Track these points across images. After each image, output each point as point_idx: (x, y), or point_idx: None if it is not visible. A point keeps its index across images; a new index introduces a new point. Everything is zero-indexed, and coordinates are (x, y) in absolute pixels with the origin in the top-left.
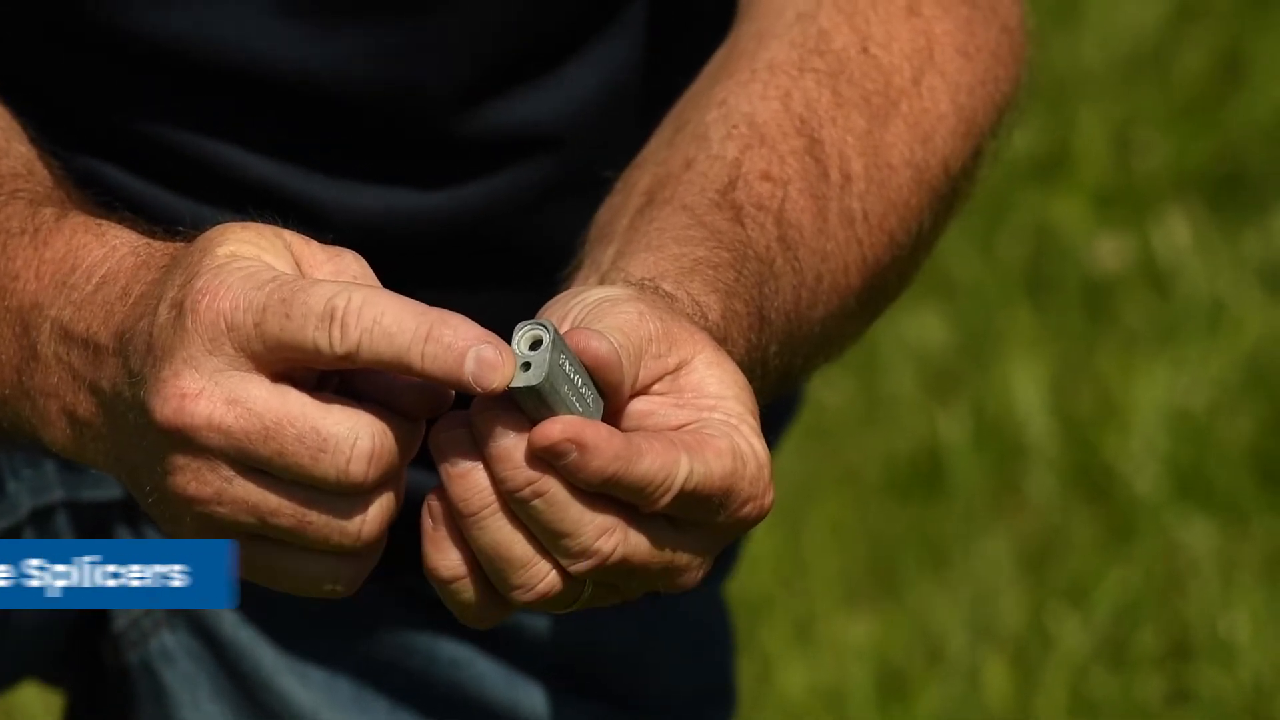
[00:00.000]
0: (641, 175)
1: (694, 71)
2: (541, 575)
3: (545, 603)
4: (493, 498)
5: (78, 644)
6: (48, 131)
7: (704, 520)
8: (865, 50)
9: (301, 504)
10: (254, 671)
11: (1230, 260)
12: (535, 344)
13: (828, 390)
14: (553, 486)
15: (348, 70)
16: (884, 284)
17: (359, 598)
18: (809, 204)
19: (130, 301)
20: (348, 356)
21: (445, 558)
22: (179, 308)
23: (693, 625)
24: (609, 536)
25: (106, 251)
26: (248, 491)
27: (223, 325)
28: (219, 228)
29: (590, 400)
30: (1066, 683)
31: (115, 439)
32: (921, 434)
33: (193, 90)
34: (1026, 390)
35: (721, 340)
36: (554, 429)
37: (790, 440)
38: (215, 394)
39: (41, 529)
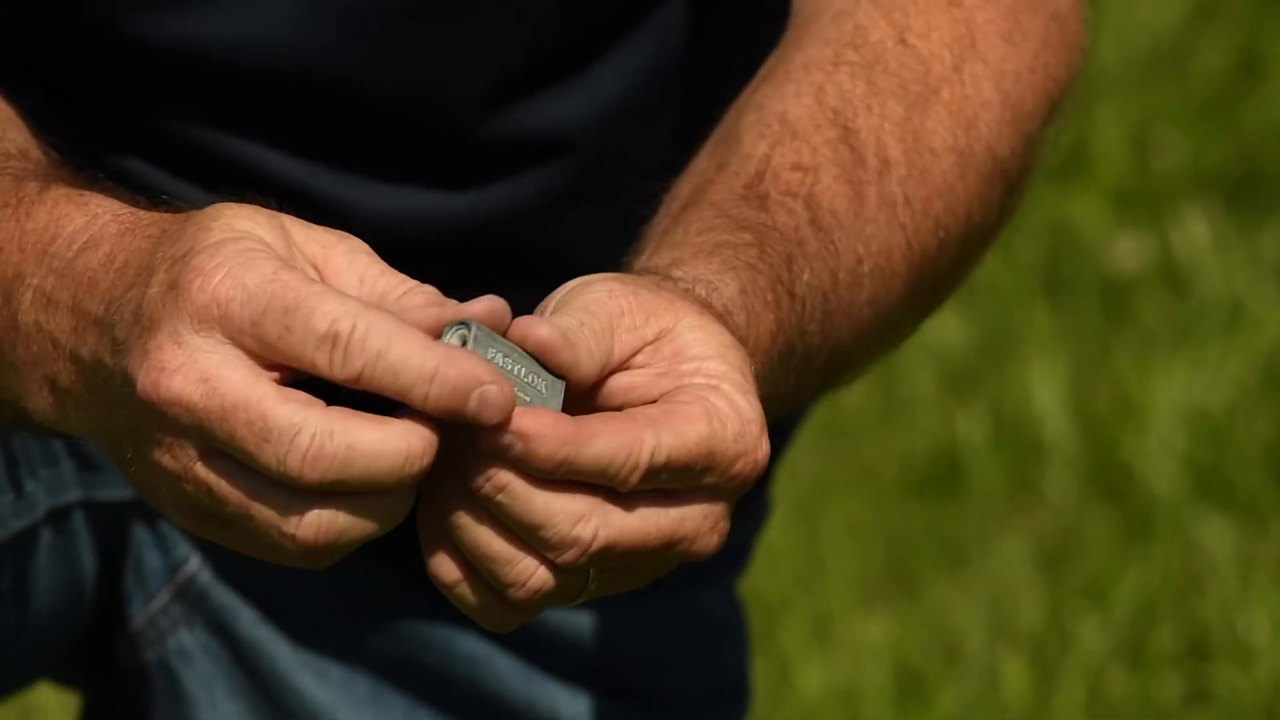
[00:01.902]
0: (682, 186)
1: (743, 76)
2: (530, 571)
3: (547, 598)
4: (461, 499)
5: (93, 643)
6: (79, 130)
7: (695, 486)
8: (903, 41)
9: (249, 495)
10: (271, 669)
11: (1248, 259)
12: (463, 344)
13: (845, 390)
14: (510, 480)
15: (373, 72)
16: (934, 271)
17: (376, 594)
18: (844, 189)
19: (115, 268)
20: (349, 381)
21: (441, 563)
22: (172, 284)
23: (708, 623)
24: (586, 523)
25: (88, 219)
26: (205, 473)
27: (215, 312)
28: (215, 206)
29: (543, 387)
30: (1085, 682)
31: (97, 407)
32: (939, 433)
33: (219, 91)
34: (1045, 390)
35: (732, 313)
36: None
37: (808, 439)
38: (192, 371)
39: (59, 529)
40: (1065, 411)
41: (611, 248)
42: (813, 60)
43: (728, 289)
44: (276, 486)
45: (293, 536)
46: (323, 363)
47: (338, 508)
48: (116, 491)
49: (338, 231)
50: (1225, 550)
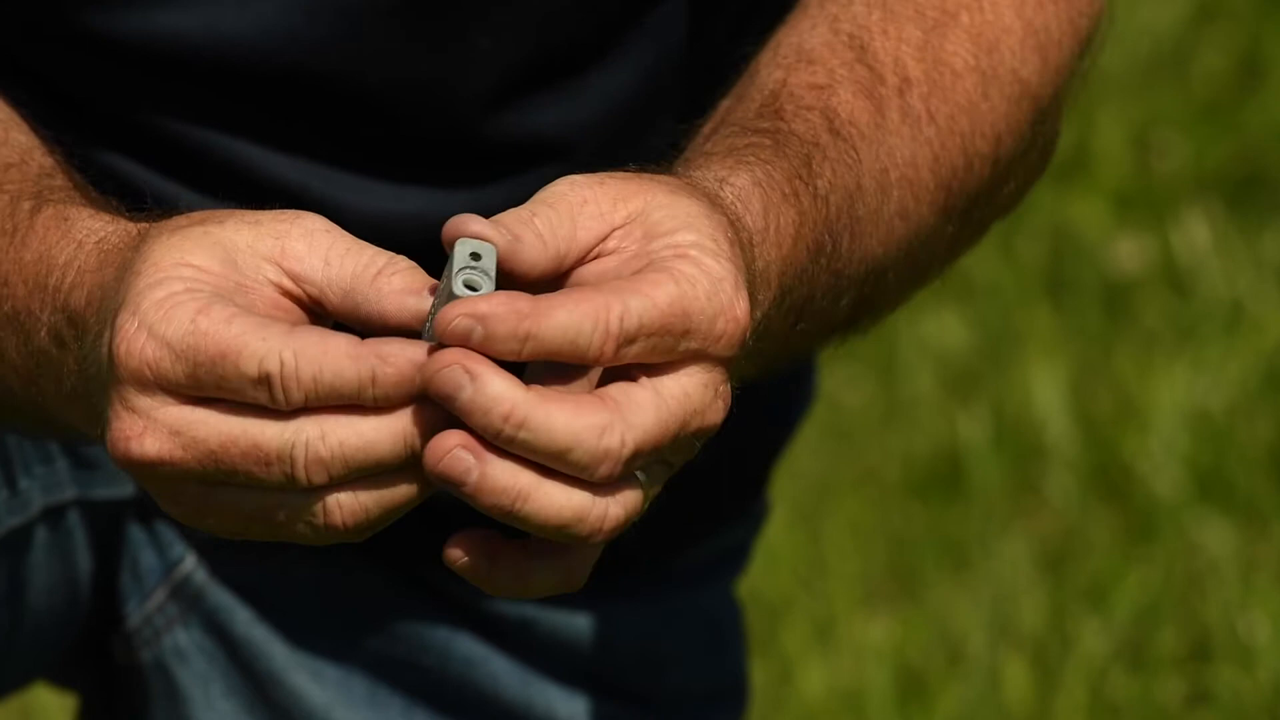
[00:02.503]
0: (705, 124)
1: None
2: (604, 512)
3: (625, 524)
4: (516, 489)
5: (89, 643)
6: (71, 128)
7: (681, 352)
8: None
9: (269, 508)
10: (267, 669)
11: (1250, 261)
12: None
13: (847, 391)
14: (526, 413)
15: (371, 71)
16: (964, 190)
17: (373, 594)
18: (863, 103)
19: (93, 311)
20: (298, 408)
21: (456, 553)
22: (109, 345)
23: (707, 624)
24: (610, 432)
25: (74, 249)
26: (221, 502)
27: (149, 375)
28: (150, 237)
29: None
30: (1086, 684)
31: None
32: (941, 435)
33: (215, 89)
34: (1046, 391)
35: (745, 201)
36: (450, 314)
37: (809, 440)
38: (159, 430)
39: (54, 527)
40: (1066, 413)
41: None
42: None
43: (739, 180)
44: (291, 492)
45: (324, 527)
46: (265, 400)
47: (357, 490)
48: (112, 490)
49: (289, 213)
50: (1226, 552)
